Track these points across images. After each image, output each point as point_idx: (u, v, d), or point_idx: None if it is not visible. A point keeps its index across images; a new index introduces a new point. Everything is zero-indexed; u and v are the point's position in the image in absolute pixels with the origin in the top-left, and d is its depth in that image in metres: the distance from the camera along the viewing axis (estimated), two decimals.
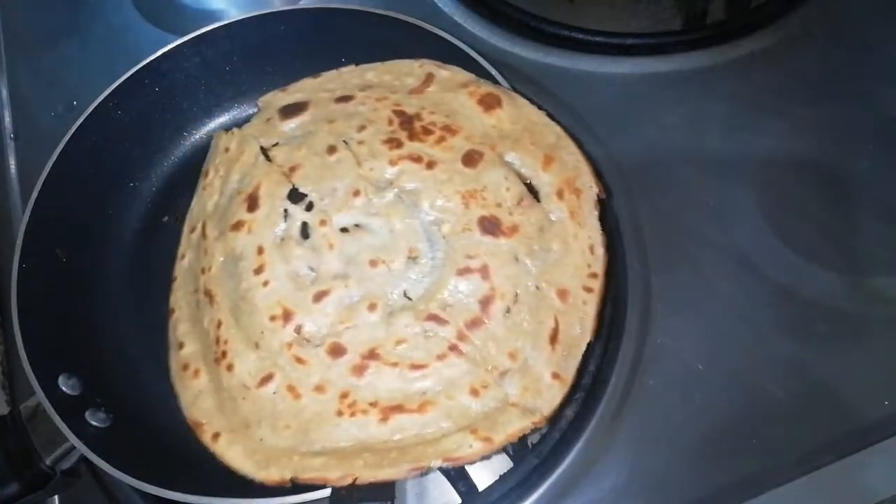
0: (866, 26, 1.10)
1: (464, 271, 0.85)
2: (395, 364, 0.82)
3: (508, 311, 0.84)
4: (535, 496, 0.87)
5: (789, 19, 1.11)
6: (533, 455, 0.85)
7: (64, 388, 0.86)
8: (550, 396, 0.81)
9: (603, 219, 0.86)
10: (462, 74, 0.97)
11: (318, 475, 0.78)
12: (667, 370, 0.89)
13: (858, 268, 0.94)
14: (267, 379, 0.84)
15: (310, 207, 0.90)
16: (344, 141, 0.92)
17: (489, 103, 0.94)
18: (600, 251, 0.86)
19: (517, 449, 0.85)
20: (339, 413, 0.81)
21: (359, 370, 0.82)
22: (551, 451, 0.85)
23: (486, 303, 0.84)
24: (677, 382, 0.89)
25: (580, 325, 0.84)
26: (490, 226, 0.86)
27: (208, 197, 0.97)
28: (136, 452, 0.84)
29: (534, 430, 0.79)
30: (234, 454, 0.82)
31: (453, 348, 0.82)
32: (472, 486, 0.84)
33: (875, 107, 1.04)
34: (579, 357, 0.83)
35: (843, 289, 0.93)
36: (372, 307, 0.85)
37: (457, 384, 0.81)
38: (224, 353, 0.86)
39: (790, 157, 0.92)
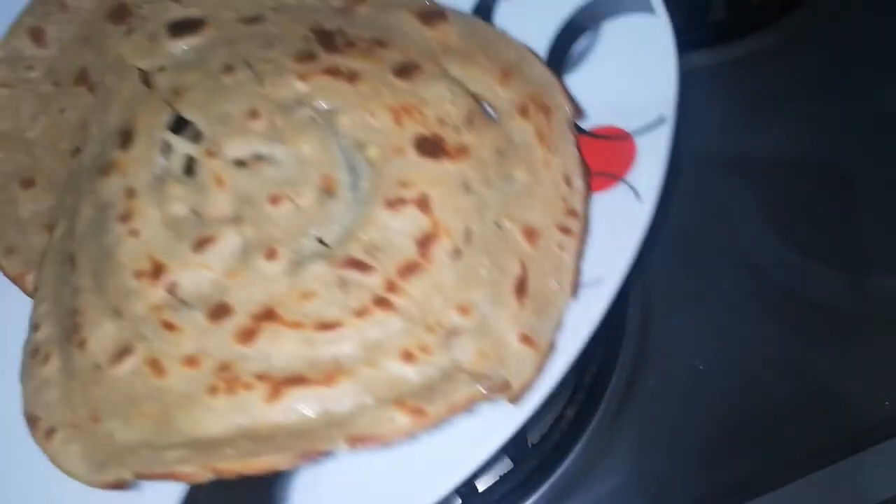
0: (866, 26, 1.08)
1: (396, 203, 0.65)
2: (297, 324, 0.61)
3: (458, 252, 0.64)
4: (535, 497, 0.85)
5: (789, 19, 1.10)
6: (533, 455, 0.84)
7: None
8: (519, 366, 0.60)
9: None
10: None
11: (167, 470, 0.57)
12: (667, 370, 0.89)
13: (859, 267, 0.94)
14: (123, 353, 0.63)
15: (197, 138, 0.70)
16: (246, 61, 0.73)
17: (432, 17, 0.75)
18: (579, 183, 0.67)
19: (517, 449, 0.84)
20: (213, 390, 0.60)
21: (247, 335, 0.61)
22: (552, 452, 0.85)
23: (426, 242, 0.64)
24: (678, 383, 0.88)
25: (555, 277, 0.64)
26: (430, 146, 0.67)
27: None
28: None
29: (488, 399, 0.59)
30: (67, 455, 0.61)
31: (380, 302, 0.62)
32: (472, 487, 0.82)
33: (876, 106, 1.03)
34: (557, 319, 0.63)
35: (844, 289, 0.93)
36: (271, 254, 0.64)
37: (383, 347, 0.60)
38: (77, 326, 0.66)
39: (791, 157, 0.92)
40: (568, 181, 0.67)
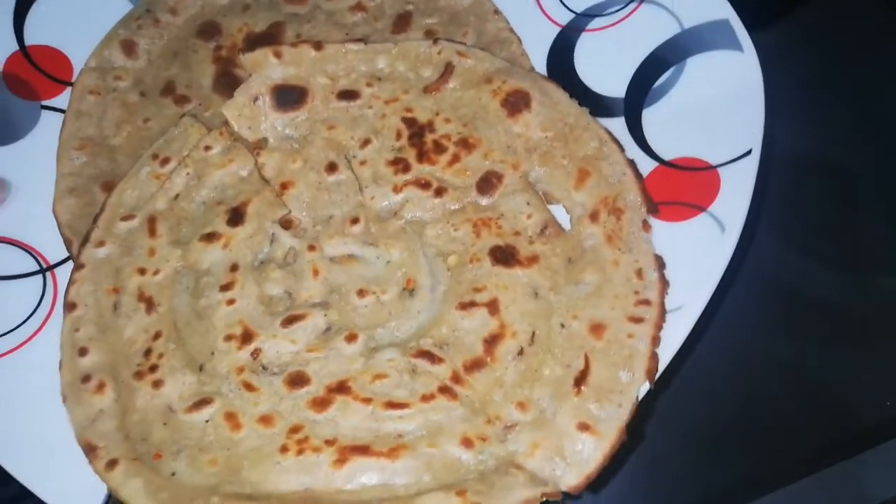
0: (866, 26, 1.07)
1: (467, 305, 0.73)
2: (367, 400, 0.69)
3: (521, 352, 0.71)
4: None
5: (790, 19, 1.08)
6: None
7: None
8: (579, 453, 0.66)
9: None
10: (487, 62, 0.84)
11: None
12: (668, 370, 0.81)
13: (860, 268, 0.93)
14: (203, 404, 0.70)
15: (300, 234, 0.78)
16: (345, 158, 0.81)
17: (516, 105, 0.81)
18: (652, 275, 0.73)
19: None
20: (284, 449, 0.67)
21: (320, 404, 0.69)
22: None
23: (492, 342, 0.71)
24: (679, 383, 0.84)
25: (627, 366, 0.69)
26: (503, 255, 0.74)
27: (161, 190, 0.82)
28: None
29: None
30: (131, 489, 0.67)
31: (445, 390, 0.69)
32: None
33: (876, 106, 1.01)
34: (628, 407, 0.68)
35: (845, 289, 0.92)
36: (351, 338, 0.72)
37: (444, 431, 0.68)
38: (153, 368, 0.72)
39: (792, 157, 0.89)
40: (640, 275, 0.72)
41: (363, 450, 0.66)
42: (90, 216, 0.81)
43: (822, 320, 0.90)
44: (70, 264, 0.81)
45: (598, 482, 0.69)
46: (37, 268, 0.81)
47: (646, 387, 0.69)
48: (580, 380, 0.68)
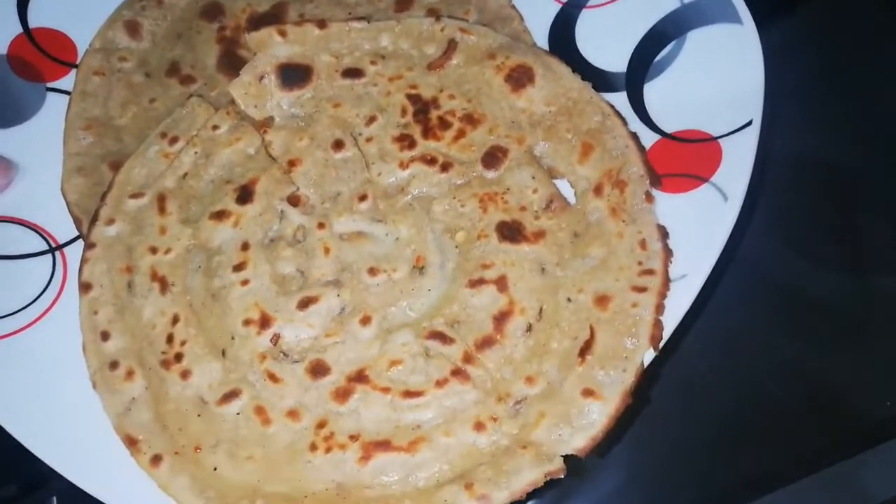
0: (866, 25, 1.06)
1: (476, 283, 0.74)
2: (385, 389, 0.71)
3: (530, 328, 0.73)
4: (535, 497, 0.79)
5: (790, 19, 1.08)
6: None
7: None
8: (585, 417, 0.68)
9: None
10: (489, 38, 0.84)
11: None
12: (668, 370, 0.85)
13: (860, 268, 0.93)
14: (232, 396, 0.72)
15: (309, 211, 0.79)
16: (351, 135, 0.81)
17: (519, 80, 0.82)
18: (656, 245, 0.74)
19: None
20: (313, 447, 0.69)
21: (342, 395, 0.71)
22: None
23: (501, 319, 0.73)
24: (679, 383, 0.85)
25: (631, 334, 0.71)
26: (510, 231, 0.76)
27: (169, 169, 0.82)
28: None
29: (550, 480, 0.66)
30: (179, 487, 0.69)
31: (457, 373, 0.71)
32: None
33: (876, 106, 1.01)
34: (632, 372, 0.69)
35: (845, 289, 0.92)
36: (365, 321, 0.74)
37: (459, 416, 0.70)
38: (178, 356, 0.74)
39: (792, 157, 0.90)
40: (644, 245, 0.74)
41: (385, 445, 0.68)
42: (98, 195, 0.82)
43: (822, 320, 0.90)
44: (79, 244, 0.82)
45: (604, 446, 0.70)
46: (46, 247, 0.82)
47: (651, 353, 0.70)
48: (584, 350, 0.70)
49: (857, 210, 0.96)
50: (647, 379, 0.73)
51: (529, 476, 0.65)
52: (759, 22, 0.89)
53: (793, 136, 0.95)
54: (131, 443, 0.70)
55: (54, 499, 0.84)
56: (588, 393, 0.68)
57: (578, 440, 0.66)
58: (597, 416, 0.67)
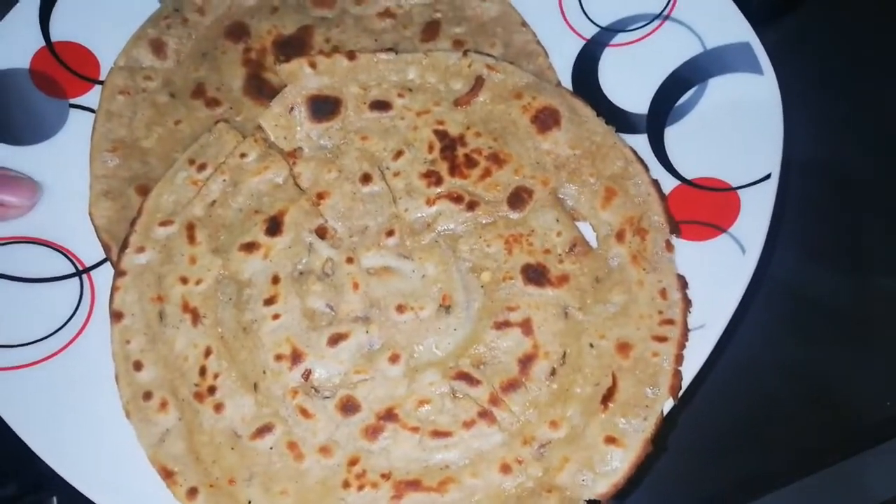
0: (866, 26, 1.07)
1: (502, 325, 0.76)
2: (414, 429, 0.73)
3: (554, 372, 0.75)
4: None
5: (789, 19, 1.09)
6: None
7: None
8: (608, 464, 0.71)
9: None
10: (516, 77, 0.85)
11: None
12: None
13: (860, 268, 0.94)
14: (265, 430, 0.74)
15: (337, 244, 0.81)
16: (379, 169, 0.83)
17: (545, 122, 0.83)
18: (675, 295, 0.77)
19: None
20: (346, 485, 0.72)
21: (373, 433, 0.74)
22: None
23: (526, 362, 0.75)
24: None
25: (652, 383, 0.74)
26: (535, 275, 0.78)
27: (198, 196, 0.83)
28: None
29: None
30: None
31: (484, 415, 0.74)
32: None
33: (876, 107, 1.02)
34: (653, 421, 0.73)
35: (845, 289, 0.94)
36: (394, 359, 0.76)
37: (486, 458, 0.72)
38: (212, 389, 0.76)
39: (792, 157, 0.88)
40: (664, 294, 0.76)
41: (415, 485, 0.71)
42: (126, 220, 0.82)
43: (822, 320, 0.91)
44: (106, 266, 0.82)
45: (625, 490, 0.73)
46: (72, 270, 0.82)
47: (670, 402, 0.72)
48: (607, 397, 0.72)
49: (858, 210, 0.98)
50: (665, 426, 0.75)
51: None
52: (760, 22, 0.90)
53: (793, 137, 0.92)
54: (167, 475, 0.72)
55: (54, 499, 0.85)
56: (611, 440, 0.70)
57: (601, 486, 0.69)
58: (619, 464, 0.70)
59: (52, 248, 0.83)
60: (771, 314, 0.91)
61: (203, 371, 0.75)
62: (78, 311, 0.80)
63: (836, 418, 0.87)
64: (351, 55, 0.86)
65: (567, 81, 0.89)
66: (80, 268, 0.82)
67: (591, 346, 0.75)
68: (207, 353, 0.76)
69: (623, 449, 0.70)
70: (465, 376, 0.74)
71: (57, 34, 0.91)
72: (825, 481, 0.83)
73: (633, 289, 0.76)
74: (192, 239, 0.80)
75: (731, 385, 0.87)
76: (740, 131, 0.82)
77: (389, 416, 0.73)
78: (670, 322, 0.74)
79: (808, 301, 0.93)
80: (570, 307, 0.76)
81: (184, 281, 0.79)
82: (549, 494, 0.69)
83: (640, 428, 0.71)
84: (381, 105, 0.85)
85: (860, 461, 0.84)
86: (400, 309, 0.77)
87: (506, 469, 0.71)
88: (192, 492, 0.71)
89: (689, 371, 0.74)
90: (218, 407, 0.74)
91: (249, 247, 0.79)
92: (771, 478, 0.84)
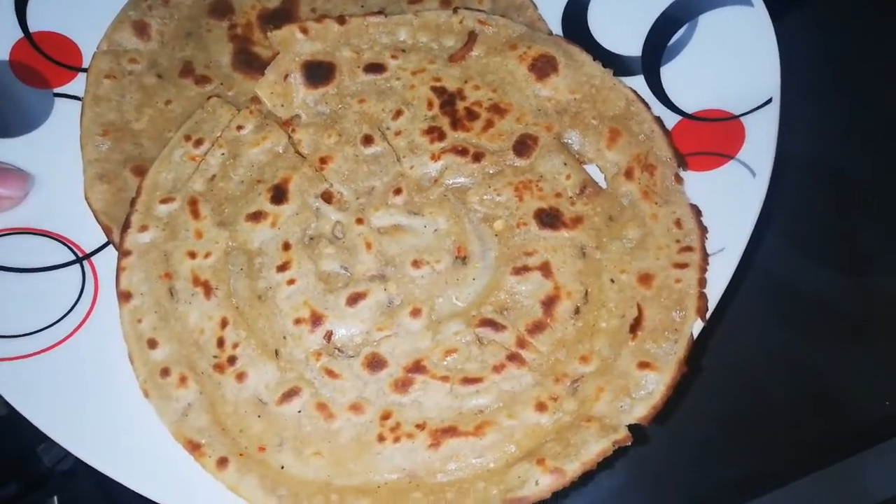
0: (866, 26, 1.08)
1: (521, 270, 0.76)
2: (444, 378, 0.72)
3: (578, 311, 0.75)
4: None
5: (789, 19, 1.06)
6: None
7: None
8: (644, 388, 0.71)
9: None
10: (509, 29, 0.85)
11: None
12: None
13: (859, 268, 0.94)
14: (291, 394, 0.72)
15: (344, 207, 0.79)
16: (379, 129, 0.82)
17: (543, 70, 0.82)
18: (691, 223, 0.77)
19: None
20: (381, 438, 0.71)
21: (402, 385, 0.72)
22: None
23: (549, 304, 0.75)
24: (678, 383, 0.84)
25: (678, 307, 0.73)
26: (549, 218, 0.77)
27: (197, 172, 0.81)
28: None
29: (618, 449, 0.69)
30: (250, 487, 0.70)
31: (513, 357, 0.73)
32: None
33: (876, 106, 1.03)
34: (683, 343, 0.72)
35: (844, 289, 0.94)
36: (415, 313, 0.75)
37: (519, 399, 0.72)
38: (232, 360, 0.74)
39: (791, 158, 0.89)
40: (679, 224, 0.76)
41: (452, 431, 0.69)
42: (125, 202, 0.80)
43: (821, 320, 0.92)
44: (107, 252, 0.80)
45: (663, 413, 0.72)
46: (72, 257, 0.79)
47: (699, 325, 0.72)
48: (635, 326, 0.72)
49: (858, 210, 0.98)
50: (698, 349, 0.74)
51: (597, 447, 0.67)
52: None
53: (793, 137, 0.93)
54: (194, 447, 0.70)
55: (55, 498, 0.84)
56: (644, 365, 0.70)
57: (640, 409, 0.69)
58: (654, 386, 0.70)
59: (49, 237, 0.81)
60: (770, 314, 0.92)
61: (221, 342, 0.73)
62: (82, 297, 0.78)
63: (835, 418, 0.88)
64: (341, 20, 0.84)
65: (558, 31, 0.88)
66: (80, 254, 0.80)
67: (612, 281, 0.74)
68: (224, 323, 0.74)
69: (657, 372, 0.70)
70: (489, 322, 0.72)
71: (35, 25, 0.89)
72: (824, 481, 0.83)
73: (648, 222, 0.76)
74: (195, 214, 0.78)
75: (729, 385, 0.88)
76: (736, 62, 0.82)
77: (417, 368, 0.72)
78: (689, 249, 0.74)
79: (808, 300, 0.93)
80: (587, 247, 0.76)
81: (192, 255, 0.76)
82: (589, 424, 0.68)
83: (672, 350, 0.71)
84: (375, 68, 0.84)
85: (859, 461, 0.84)
86: (416, 264, 0.76)
87: (541, 407, 0.70)
88: (223, 462, 0.69)
89: (715, 293, 0.73)
90: (240, 376, 0.72)
91: (256, 216, 0.77)
92: (770, 477, 0.84)
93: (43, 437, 0.75)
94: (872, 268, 0.95)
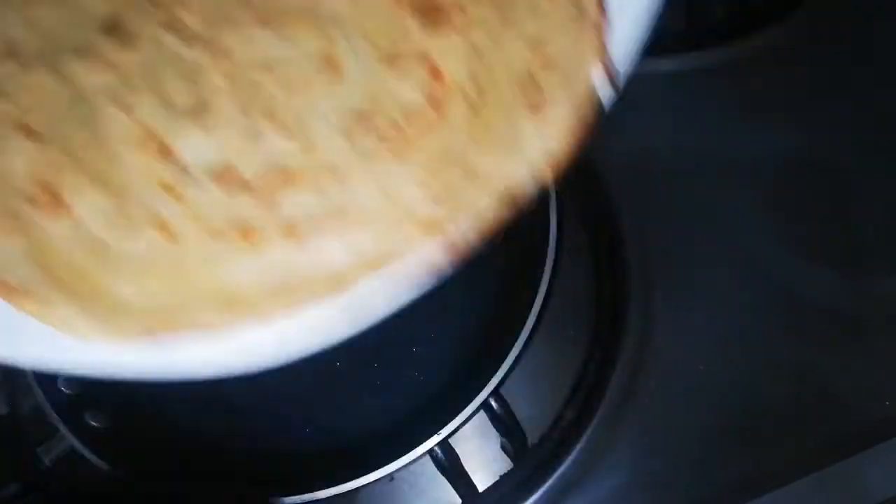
0: (866, 26, 1.10)
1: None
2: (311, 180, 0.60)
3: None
4: (535, 497, 0.86)
5: (789, 19, 1.13)
6: (533, 456, 0.86)
7: (64, 389, 0.84)
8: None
9: None
10: None
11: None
12: (668, 370, 0.90)
13: (859, 268, 0.96)
14: (131, 228, 0.60)
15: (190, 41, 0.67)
16: None
17: None
18: None
19: (517, 449, 0.86)
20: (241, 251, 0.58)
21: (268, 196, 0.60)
22: (552, 452, 0.86)
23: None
24: (678, 382, 0.89)
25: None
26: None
27: None
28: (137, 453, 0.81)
29: None
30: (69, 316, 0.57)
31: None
32: (472, 487, 0.84)
33: (875, 107, 1.04)
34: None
35: (844, 289, 0.95)
36: (277, 123, 0.62)
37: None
38: (56, 198, 0.60)
39: (791, 158, 0.95)
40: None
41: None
42: None
43: (821, 320, 0.90)
44: None
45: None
46: None
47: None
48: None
49: (858, 210, 0.96)
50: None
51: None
52: (759, 22, 1.00)
53: (793, 137, 0.99)
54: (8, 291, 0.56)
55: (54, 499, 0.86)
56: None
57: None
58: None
59: None
60: (768, 314, 0.92)
61: (44, 185, 0.59)
62: None
63: (835, 418, 0.88)
64: None
65: None
66: None
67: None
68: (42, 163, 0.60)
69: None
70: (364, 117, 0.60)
71: None
72: (824, 481, 0.84)
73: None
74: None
75: (729, 385, 0.89)
76: None
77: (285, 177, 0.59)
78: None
79: (807, 300, 0.93)
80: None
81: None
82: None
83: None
84: None
85: (859, 461, 0.85)
86: (282, 84, 0.63)
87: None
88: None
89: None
90: (69, 216, 0.59)
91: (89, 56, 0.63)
92: (770, 477, 0.84)
93: (43, 437, 0.80)
94: (873, 268, 0.95)
